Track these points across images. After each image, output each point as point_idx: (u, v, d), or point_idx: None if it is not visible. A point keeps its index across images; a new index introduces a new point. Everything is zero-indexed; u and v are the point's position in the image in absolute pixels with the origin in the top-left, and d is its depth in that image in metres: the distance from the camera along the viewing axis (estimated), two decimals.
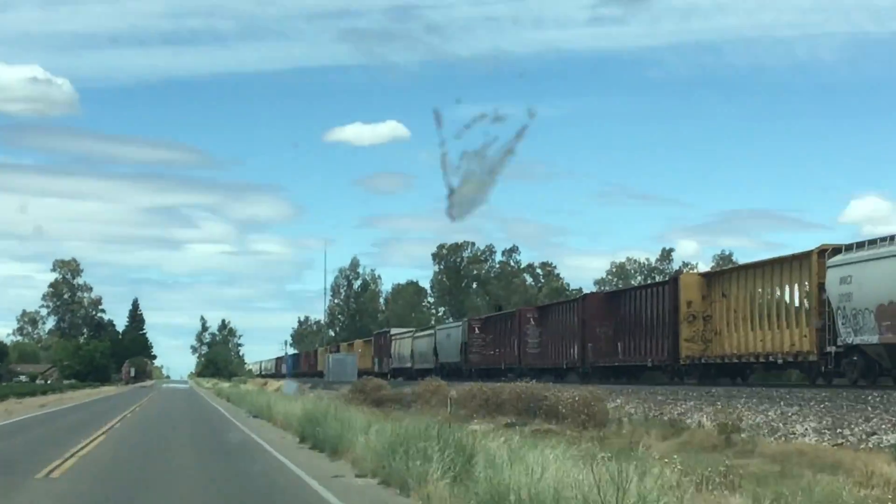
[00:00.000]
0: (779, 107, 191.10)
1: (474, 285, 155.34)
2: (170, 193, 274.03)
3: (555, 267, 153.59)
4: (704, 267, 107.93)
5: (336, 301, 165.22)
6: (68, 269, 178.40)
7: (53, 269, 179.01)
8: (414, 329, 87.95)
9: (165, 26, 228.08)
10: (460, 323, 71.60)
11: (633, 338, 43.65)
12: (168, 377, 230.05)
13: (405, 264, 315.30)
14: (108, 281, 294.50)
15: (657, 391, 32.74)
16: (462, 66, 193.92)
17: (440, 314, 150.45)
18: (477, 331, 64.44)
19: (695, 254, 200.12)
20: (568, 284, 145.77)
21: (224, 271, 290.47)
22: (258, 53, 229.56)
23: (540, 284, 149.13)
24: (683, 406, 28.04)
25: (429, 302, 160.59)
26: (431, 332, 76.65)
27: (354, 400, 41.46)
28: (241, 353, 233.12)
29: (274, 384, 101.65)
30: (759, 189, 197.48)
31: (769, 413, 24.11)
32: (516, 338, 57.24)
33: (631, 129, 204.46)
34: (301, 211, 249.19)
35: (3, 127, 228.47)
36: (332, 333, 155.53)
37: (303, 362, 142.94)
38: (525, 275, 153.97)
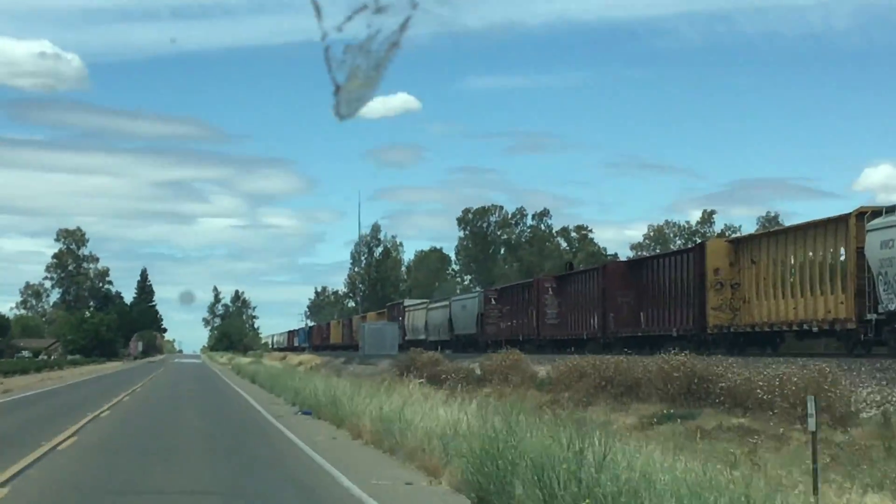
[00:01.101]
0: (791, 75, 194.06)
1: (503, 251, 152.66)
2: (180, 168, 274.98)
3: (591, 230, 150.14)
4: (750, 230, 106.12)
5: (356, 269, 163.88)
6: (73, 238, 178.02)
7: (57, 240, 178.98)
8: (428, 300, 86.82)
9: (175, 0, 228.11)
10: (476, 294, 70.51)
11: (657, 307, 42.93)
12: (180, 351, 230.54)
13: (417, 236, 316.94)
14: (118, 256, 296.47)
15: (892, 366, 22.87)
16: (473, 38, 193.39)
17: (466, 283, 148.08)
18: (493, 301, 63.18)
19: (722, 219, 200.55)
20: (605, 248, 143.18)
21: (235, 245, 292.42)
22: (268, 27, 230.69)
23: (575, 249, 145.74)
24: None
25: (453, 270, 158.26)
26: (446, 303, 75.43)
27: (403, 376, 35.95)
28: (255, 326, 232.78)
29: (295, 358, 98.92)
30: (772, 158, 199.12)
31: None
32: (534, 308, 56.01)
33: (642, 100, 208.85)
34: (312, 184, 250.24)
35: (11, 102, 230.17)
36: (352, 304, 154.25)
37: (315, 335, 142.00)
38: (559, 239, 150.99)
